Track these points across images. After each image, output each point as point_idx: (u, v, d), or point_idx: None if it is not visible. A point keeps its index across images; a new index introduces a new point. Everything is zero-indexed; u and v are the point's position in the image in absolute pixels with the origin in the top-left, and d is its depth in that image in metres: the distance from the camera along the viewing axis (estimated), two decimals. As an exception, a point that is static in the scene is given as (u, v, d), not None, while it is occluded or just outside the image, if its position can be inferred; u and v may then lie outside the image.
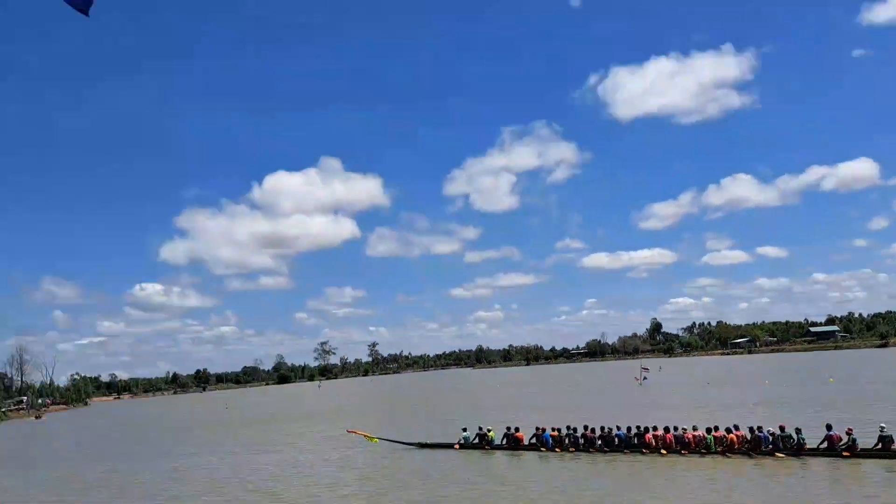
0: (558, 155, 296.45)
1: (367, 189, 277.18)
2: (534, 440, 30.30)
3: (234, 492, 25.82)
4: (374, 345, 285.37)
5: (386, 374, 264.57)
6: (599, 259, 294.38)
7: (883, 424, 24.49)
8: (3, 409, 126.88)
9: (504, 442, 31.23)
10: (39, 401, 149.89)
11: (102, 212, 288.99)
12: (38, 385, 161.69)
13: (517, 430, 31.35)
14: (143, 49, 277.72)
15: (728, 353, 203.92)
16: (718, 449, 25.73)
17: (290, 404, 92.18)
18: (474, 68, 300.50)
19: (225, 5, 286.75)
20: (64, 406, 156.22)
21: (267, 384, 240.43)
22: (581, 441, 29.09)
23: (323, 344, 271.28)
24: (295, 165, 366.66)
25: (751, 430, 25.83)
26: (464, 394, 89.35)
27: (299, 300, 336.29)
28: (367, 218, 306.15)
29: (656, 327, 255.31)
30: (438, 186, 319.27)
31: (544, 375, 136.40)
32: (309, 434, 46.34)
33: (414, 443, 34.46)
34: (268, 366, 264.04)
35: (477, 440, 32.07)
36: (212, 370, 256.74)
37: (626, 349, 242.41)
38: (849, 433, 23.97)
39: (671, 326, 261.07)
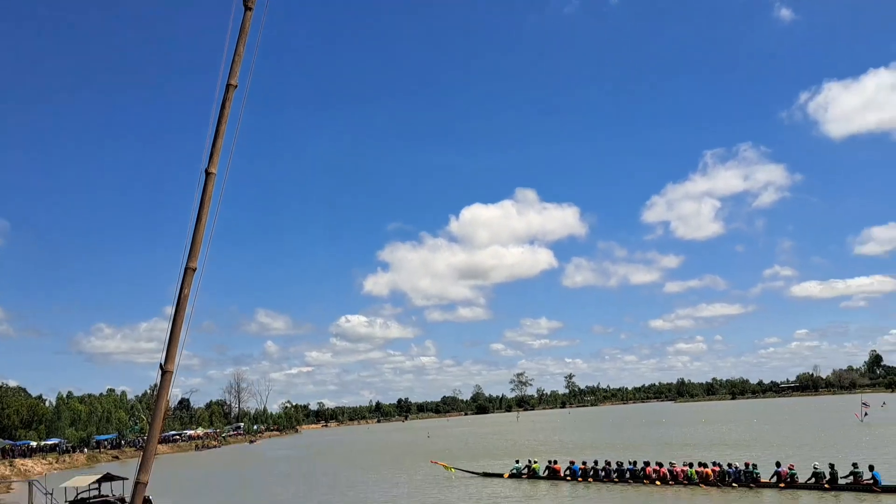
0: (766, 177, 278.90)
1: (563, 218, 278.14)
2: (567, 472, 37.37)
3: None
4: (570, 376, 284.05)
5: (583, 405, 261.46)
6: (811, 287, 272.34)
7: (816, 463, 29.43)
8: (224, 435, 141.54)
9: (545, 473, 38.49)
10: (255, 427, 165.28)
11: (311, 247, 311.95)
12: (253, 412, 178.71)
13: (555, 462, 38.86)
14: (341, 88, 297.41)
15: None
16: (699, 481, 31.68)
17: (494, 436, 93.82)
18: (671, 89, 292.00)
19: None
20: (277, 433, 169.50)
21: (466, 414, 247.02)
22: (602, 473, 35.76)
23: (519, 375, 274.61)
24: (491, 198, 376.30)
25: (717, 464, 32.15)
26: (667, 427, 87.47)
27: (496, 330, 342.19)
28: (564, 247, 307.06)
29: (876, 360, 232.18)
30: (637, 214, 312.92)
31: (751, 410, 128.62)
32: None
33: (480, 472, 42.20)
34: (466, 395, 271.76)
35: (525, 471, 39.37)
36: (412, 399, 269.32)
37: (842, 383, 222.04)
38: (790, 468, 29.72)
39: (893, 360, 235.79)
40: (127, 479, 43.21)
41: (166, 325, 3.89)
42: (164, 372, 4.17)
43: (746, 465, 31.22)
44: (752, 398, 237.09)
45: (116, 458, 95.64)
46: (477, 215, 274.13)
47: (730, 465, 31.62)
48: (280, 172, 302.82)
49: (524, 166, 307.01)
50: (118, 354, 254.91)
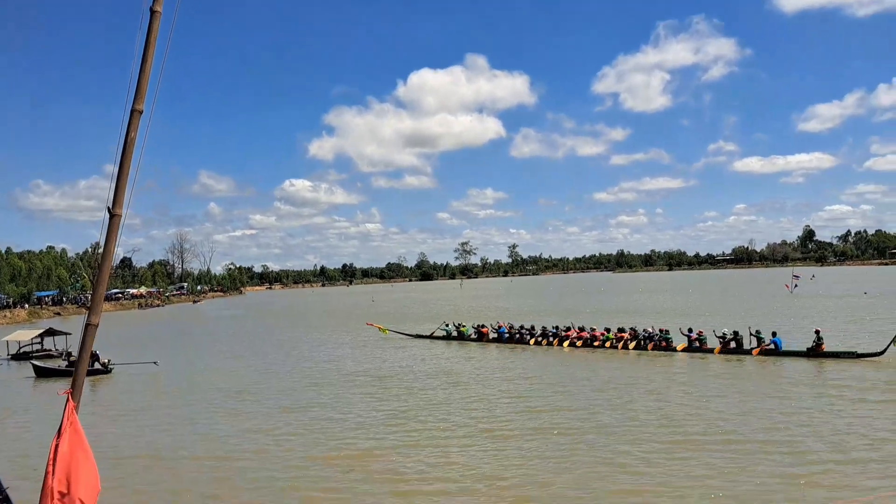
0: (716, 51, 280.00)
1: (512, 86, 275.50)
2: (494, 334, 39.16)
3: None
4: (514, 246, 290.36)
5: (525, 275, 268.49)
6: (752, 163, 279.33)
7: (725, 330, 31.41)
8: (167, 295, 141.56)
9: (474, 335, 40.35)
10: (198, 287, 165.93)
11: (254, 108, 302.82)
12: (196, 273, 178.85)
13: (483, 326, 40.82)
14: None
15: (886, 263, 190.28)
16: (616, 344, 33.45)
17: (438, 302, 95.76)
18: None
19: None
20: (221, 293, 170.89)
21: (410, 280, 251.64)
22: (526, 336, 37.50)
23: (464, 244, 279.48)
24: (440, 63, 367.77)
25: (633, 329, 34.07)
26: (604, 296, 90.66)
27: (442, 200, 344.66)
28: (513, 117, 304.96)
29: (809, 235, 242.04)
30: (587, 85, 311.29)
31: (687, 281, 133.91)
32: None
33: (413, 334, 44.24)
34: (410, 263, 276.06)
35: (455, 332, 41.44)
36: (357, 265, 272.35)
37: (775, 257, 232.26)
38: (700, 333, 31.80)
39: (825, 235, 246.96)
40: (70, 333, 43.30)
41: (108, 183, 3.80)
42: (113, 216, 4.11)
43: (661, 330, 33.26)
44: (688, 270, 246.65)
45: (59, 314, 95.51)
46: (425, 80, 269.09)
47: (644, 331, 33.56)
48: (224, 29, 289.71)
49: (475, 31, 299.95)
50: (58, 212, 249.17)
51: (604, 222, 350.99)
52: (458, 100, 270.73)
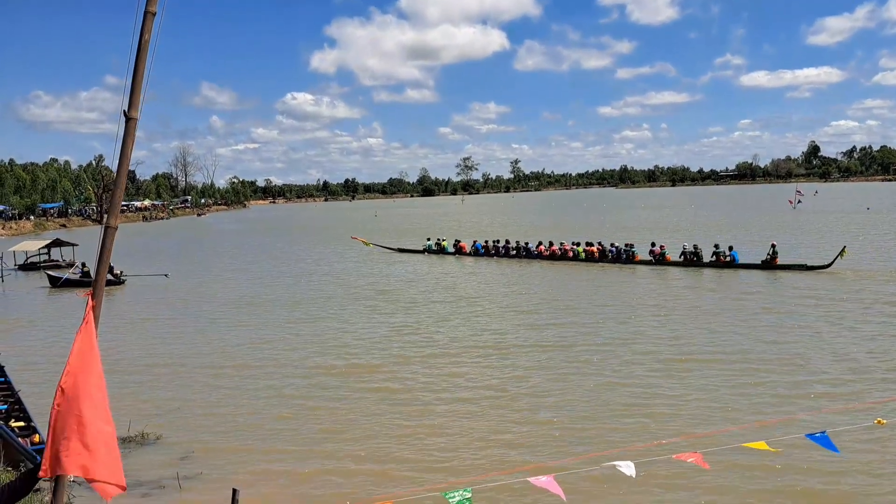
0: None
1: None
2: (471, 249, 41.09)
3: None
4: (516, 161, 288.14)
5: (527, 191, 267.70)
6: (759, 77, 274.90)
7: (685, 243, 33.64)
8: (171, 207, 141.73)
9: (453, 250, 42.27)
10: (202, 200, 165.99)
11: (254, 18, 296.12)
12: (200, 186, 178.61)
13: (461, 241, 42.80)
14: None
15: (890, 179, 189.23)
16: (584, 258, 35.53)
17: (441, 217, 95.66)
18: None
19: None
20: (224, 207, 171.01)
21: (412, 196, 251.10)
22: (501, 250, 39.43)
23: (466, 159, 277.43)
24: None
25: (600, 244, 35.94)
26: (607, 212, 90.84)
27: (444, 114, 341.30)
28: (517, 29, 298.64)
29: (814, 150, 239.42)
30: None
31: (689, 197, 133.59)
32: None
33: (395, 248, 46.14)
34: (412, 178, 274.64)
35: (435, 247, 43.07)
36: (359, 180, 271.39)
37: (779, 172, 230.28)
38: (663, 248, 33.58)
39: (830, 151, 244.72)
40: (77, 244, 43.74)
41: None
42: (129, 119, 4.19)
43: (626, 245, 35.11)
44: (691, 185, 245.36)
45: (64, 226, 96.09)
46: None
47: (611, 245, 35.46)
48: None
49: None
50: (59, 123, 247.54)
51: (607, 137, 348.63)
52: (461, 10, 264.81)
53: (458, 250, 41.82)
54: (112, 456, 3.91)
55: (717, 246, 31.89)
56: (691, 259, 32.00)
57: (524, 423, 12.44)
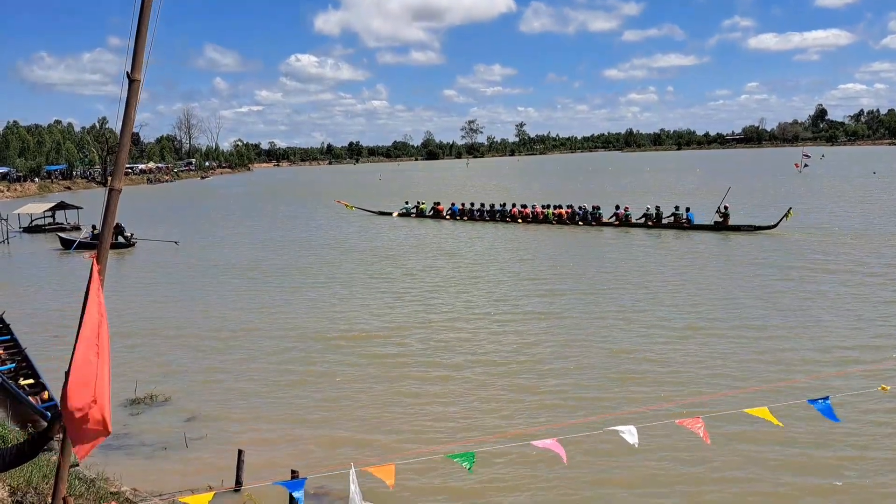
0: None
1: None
2: (448, 212, 42.20)
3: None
4: (521, 125, 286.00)
5: (532, 154, 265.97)
6: (767, 40, 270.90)
7: (649, 205, 35.48)
8: (176, 170, 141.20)
9: (431, 213, 43.50)
10: (206, 163, 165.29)
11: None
12: (204, 149, 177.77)
13: (439, 203, 43.74)
14: None
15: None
16: (554, 220, 37.53)
17: (445, 181, 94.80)
18: None
19: None
20: (229, 170, 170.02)
21: (416, 159, 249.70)
22: (476, 213, 41.25)
23: (471, 122, 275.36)
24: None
25: (570, 206, 37.86)
26: (612, 175, 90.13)
27: (449, 76, 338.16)
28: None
29: (821, 114, 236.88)
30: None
31: (695, 161, 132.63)
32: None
33: (376, 211, 46.91)
34: (416, 141, 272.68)
35: (414, 210, 44.38)
36: (363, 143, 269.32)
37: (786, 136, 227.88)
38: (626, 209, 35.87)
39: (837, 115, 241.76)
40: (82, 207, 43.74)
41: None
42: (132, 81, 4.15)
43: (593, 207, 37.24)
44: (697, 149, 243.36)
45: (69, 188, 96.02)
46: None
47: (580, 207, 37.64)
48: None
49: None
50: (63, 85, 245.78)
51: (613, 100, 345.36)
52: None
53: (437, 213, 43.21)
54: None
55: (676, 208, 34.40)
56: (652, 220, 34.18)
57: (523, 391, 12.54)
